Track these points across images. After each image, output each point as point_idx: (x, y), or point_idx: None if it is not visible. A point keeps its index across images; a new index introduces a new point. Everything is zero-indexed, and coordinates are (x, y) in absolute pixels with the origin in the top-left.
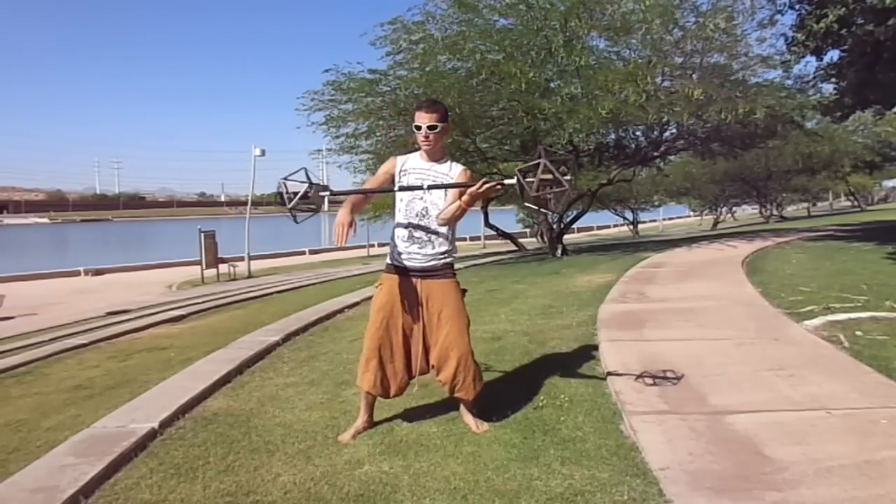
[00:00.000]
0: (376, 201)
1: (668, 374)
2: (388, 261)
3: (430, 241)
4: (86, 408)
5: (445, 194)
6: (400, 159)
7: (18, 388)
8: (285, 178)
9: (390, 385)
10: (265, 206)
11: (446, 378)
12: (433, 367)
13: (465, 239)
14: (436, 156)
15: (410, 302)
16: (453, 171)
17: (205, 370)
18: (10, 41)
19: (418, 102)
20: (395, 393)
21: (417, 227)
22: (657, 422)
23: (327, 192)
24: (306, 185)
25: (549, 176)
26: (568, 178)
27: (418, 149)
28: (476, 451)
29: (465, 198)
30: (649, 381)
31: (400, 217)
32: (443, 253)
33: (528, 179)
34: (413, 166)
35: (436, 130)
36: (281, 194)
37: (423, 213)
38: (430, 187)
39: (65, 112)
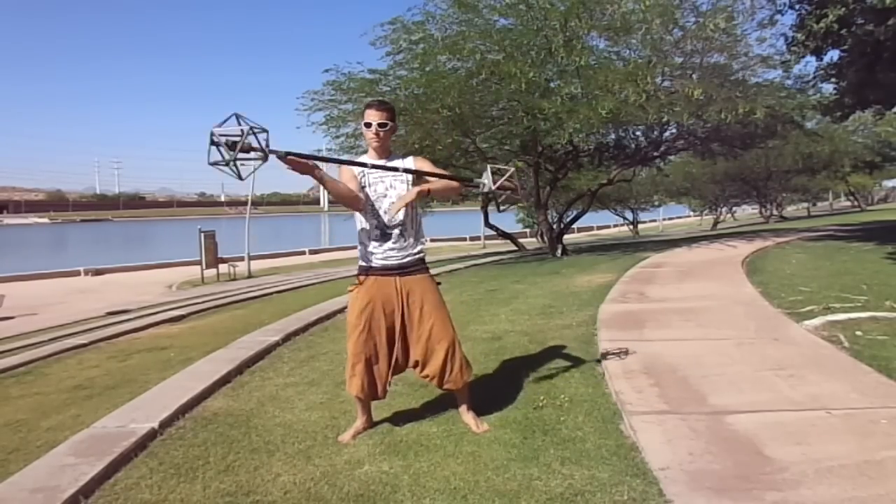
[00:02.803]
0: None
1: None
2: (362, 262)
3: (402, 236)
4: (86, 408)
5: (408, 186)
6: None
7: (18, 388)
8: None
9: (377, 387)
10: (265, 205)
11: (434, 371)
12: (416, 363)
13: (464, 239)
14: (385, 153)
15: (390, 301)
16: (406, 162)
17: (205, 370)
18: (10, 41)
19: (368, 101)
20: (382, 394)
21: (388, 224)
22: (657, 422)
23: (265, 135)
24: (241, 133)
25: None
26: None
27: (365, 152)
28: (476, 451)
29: (424, 187)
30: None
31: (368, 217)
32: (413, 248)
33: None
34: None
35: (385, 128)
36: (217, 146)
37: (390, 208)
38: (407, 171)
39: (65, 112)
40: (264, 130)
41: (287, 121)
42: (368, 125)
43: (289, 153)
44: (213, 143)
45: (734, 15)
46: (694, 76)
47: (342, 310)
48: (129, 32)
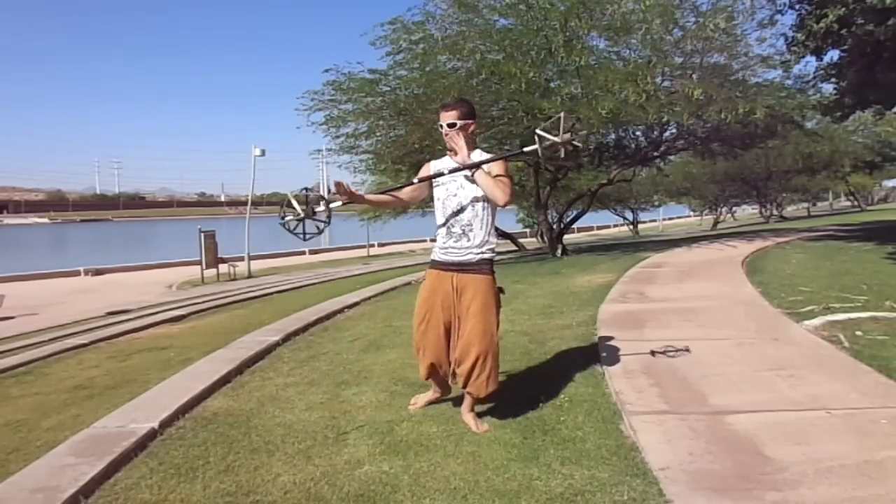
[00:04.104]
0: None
1: (673, 349)
2: (432, 256)
3: (464, 234)
4: (86, 408)
5: (485, 197)
6: (434, 163)
7: (18, 388)
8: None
9: (439, 372)
10: (265, 205)
11: (463, 371)
12: (456, 360)
13: None
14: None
15: (448, 296)
16: (482, 157)
17: (205, 370)
18: (10, 41)
19: (442, 103)
20: (445, 377)
21: (454, 222)
22: (657, 422)
23: (336, 203)
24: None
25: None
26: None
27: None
28: (476, 451)
29: (475, 170)
30: (660, 354)
31: (438, 214)
32: (478, 248)
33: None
34: (445, 166)
35: (455, 128)
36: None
37: (460, 208)
38: (452, 171)
39: (65, 112)
40: (321, 198)
41: (287, 120)
42: (441, 127)
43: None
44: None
45: (734, 15)
46: (694, 76)
47: (342, 310)
48: (129, 32)
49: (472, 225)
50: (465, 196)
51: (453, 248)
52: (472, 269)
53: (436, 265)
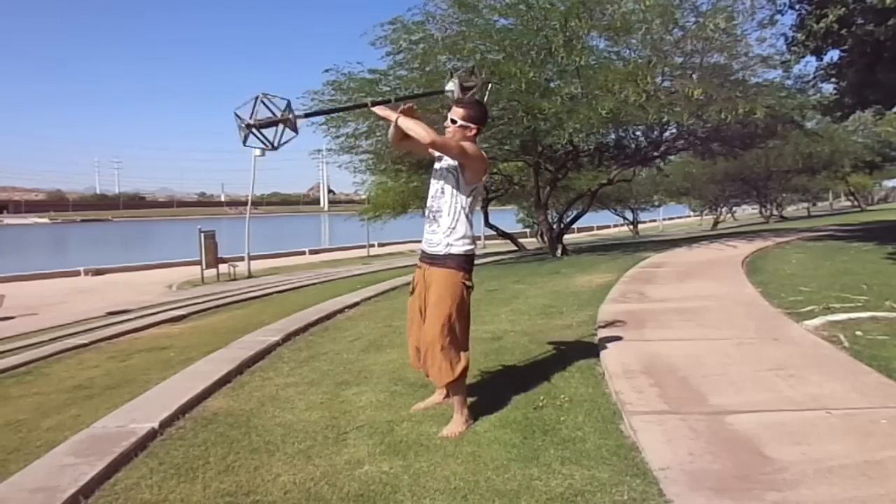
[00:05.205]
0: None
1: None
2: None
3: (434, 220)
4: (86, 408)
5: (456, 180)
6: None
7: (18, 388)
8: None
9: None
10: (265, 205)
11: (421, 363)
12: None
13: None
14: None
15: (421, 286)
16: None
17: (205, 370)
18: (10, 41)
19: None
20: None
21: (429, 208)
22: (657, 422)
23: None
24: (277, 112)
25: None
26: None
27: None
28: (476, 451)
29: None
30: None
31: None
32: (445, 237)
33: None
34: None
35: (455, 124)
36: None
37: (438, 193)
38: (374, 103)
39: (65, 112)
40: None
41: None
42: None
43: (307, 114)
44: (248, 128)
45: (734, 15)
46: (694, 76)
47: (342, 310)
48: (129, 33)
49: (441, 211)
50: (442, 186)
51: (428, 236)
52: (438, 262)
53: (420, 257)
